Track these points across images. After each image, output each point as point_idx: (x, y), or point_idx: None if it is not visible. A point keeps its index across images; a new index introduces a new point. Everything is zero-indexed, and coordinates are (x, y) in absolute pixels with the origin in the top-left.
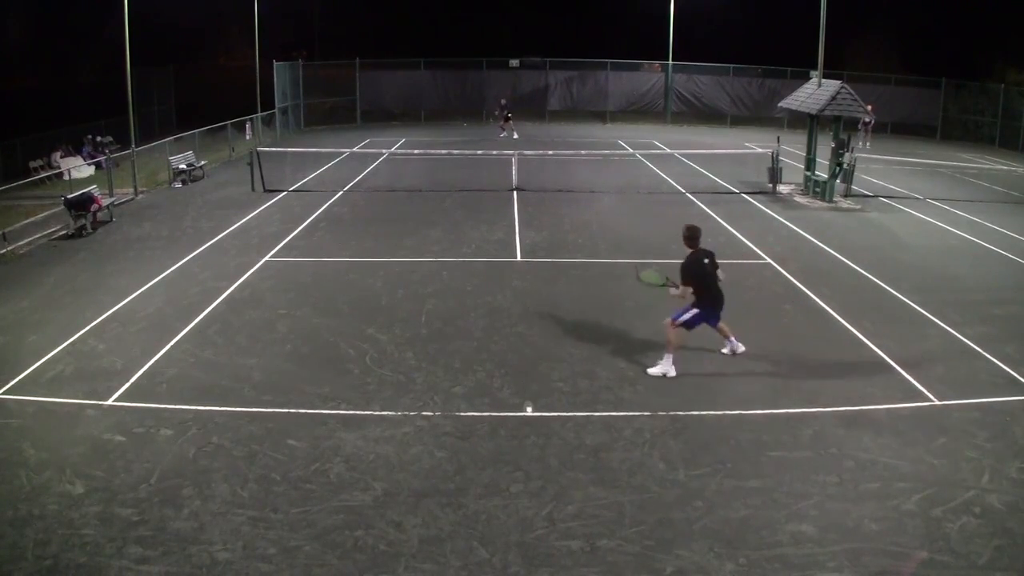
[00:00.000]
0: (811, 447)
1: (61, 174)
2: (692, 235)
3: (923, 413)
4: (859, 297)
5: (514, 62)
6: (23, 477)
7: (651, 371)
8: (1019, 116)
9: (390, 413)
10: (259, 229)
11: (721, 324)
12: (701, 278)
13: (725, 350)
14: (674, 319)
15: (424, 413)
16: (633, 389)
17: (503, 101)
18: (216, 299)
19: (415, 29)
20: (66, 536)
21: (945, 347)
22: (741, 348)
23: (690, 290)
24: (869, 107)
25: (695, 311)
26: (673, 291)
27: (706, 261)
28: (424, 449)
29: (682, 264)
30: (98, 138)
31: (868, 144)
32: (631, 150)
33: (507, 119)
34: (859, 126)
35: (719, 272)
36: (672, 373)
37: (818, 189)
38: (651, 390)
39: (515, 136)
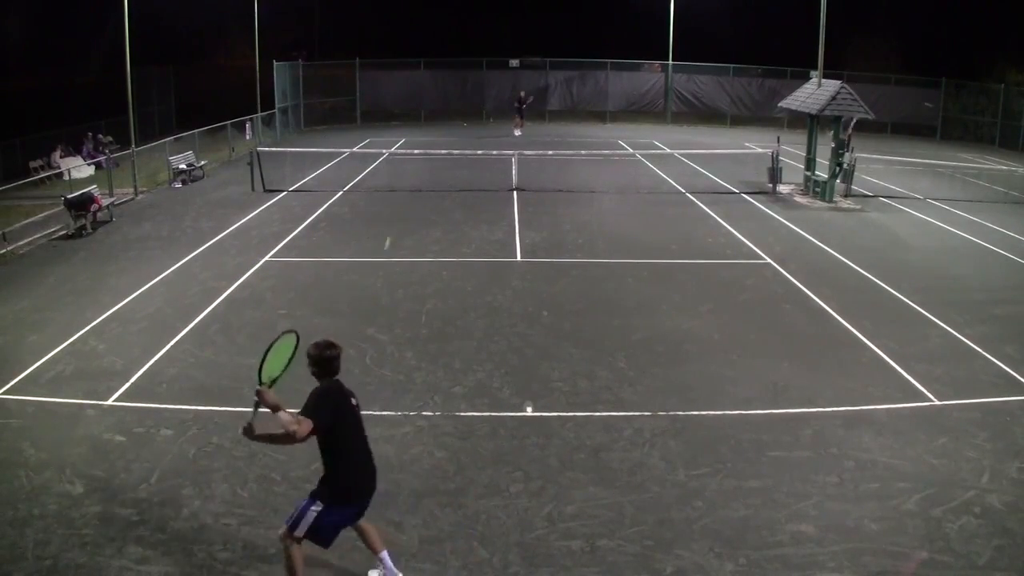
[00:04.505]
0: (811, 447)
1: (61, 174)
2: (321, 359)
3: (923, 413)
4: (859, 297)
5: (514, 62)
6: (23, 477)
7: None
8: (1019, 116)
9: (390, 413)
10: (259, 229)
11: (368, 527)
12: (342, 424)
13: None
14: (290, 526)
15: (424, 413)
16: (633, 389)
17: (522, 93)
18: (216, 299)
19: (415, 29)
20: (66, 536)
21: (945, 347)
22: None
23: (305, 428)
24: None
25: (319, 506)
26: (263, 410)
27: (354, 401)
28: (424, 449)
29: (316, 391)
30: (99, 136)
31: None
32: (631, 150)
33: (521, 115)
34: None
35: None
36: None
37: (818, 189)
38: (651, 390)
39: (517, 133)
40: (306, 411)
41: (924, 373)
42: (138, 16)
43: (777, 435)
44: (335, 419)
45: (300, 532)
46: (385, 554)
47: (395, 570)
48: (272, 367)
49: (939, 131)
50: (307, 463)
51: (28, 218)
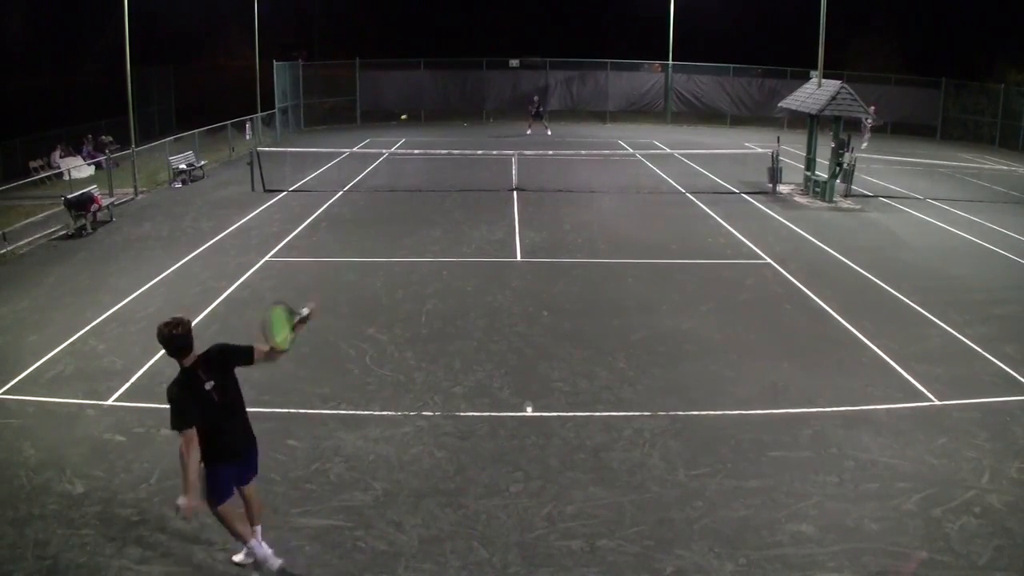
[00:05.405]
0: (811, 447)
1: (61, 174)
2: (166, 337)
3: (923, 413)
4: (859, 297)
5: (514, 62)
6: (23, 477)
7: (236, 559)
8: (1019, 116)
9: (390, 413)
10: (259, 229)
11: (252, 498)
12: (203, 409)
13: (239, 557)
14: (208, 499)
15: (424, 413)
16: (633, 389)
17: (535, 97)
18: (216, 299)
19: (415, 29)
20: (66, 536)
21: (945, 347)
22: (276, 562)
23: (189, 442)
24: (872, 108)
25: (208, 470)
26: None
27: (207, 382)
28: (424, 449)
29: (169, 395)
30: (101, 137)
31: (865, 144)
32: (631, 150)
33: (537, 116)
34: (864, 124)
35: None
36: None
37: (818, 189)
38: (651, 390)
39: (548, 132)
40: (175, 424)
41: (924, 373)
42: (138, 16)
43: (777, 435)
44: (199, 411)
45: (215, 496)
46: (258, 528)
47: (262, 545)
48: (278, 330)
49: (939, 131)
50: (307, 463)
51: (28, 218)
